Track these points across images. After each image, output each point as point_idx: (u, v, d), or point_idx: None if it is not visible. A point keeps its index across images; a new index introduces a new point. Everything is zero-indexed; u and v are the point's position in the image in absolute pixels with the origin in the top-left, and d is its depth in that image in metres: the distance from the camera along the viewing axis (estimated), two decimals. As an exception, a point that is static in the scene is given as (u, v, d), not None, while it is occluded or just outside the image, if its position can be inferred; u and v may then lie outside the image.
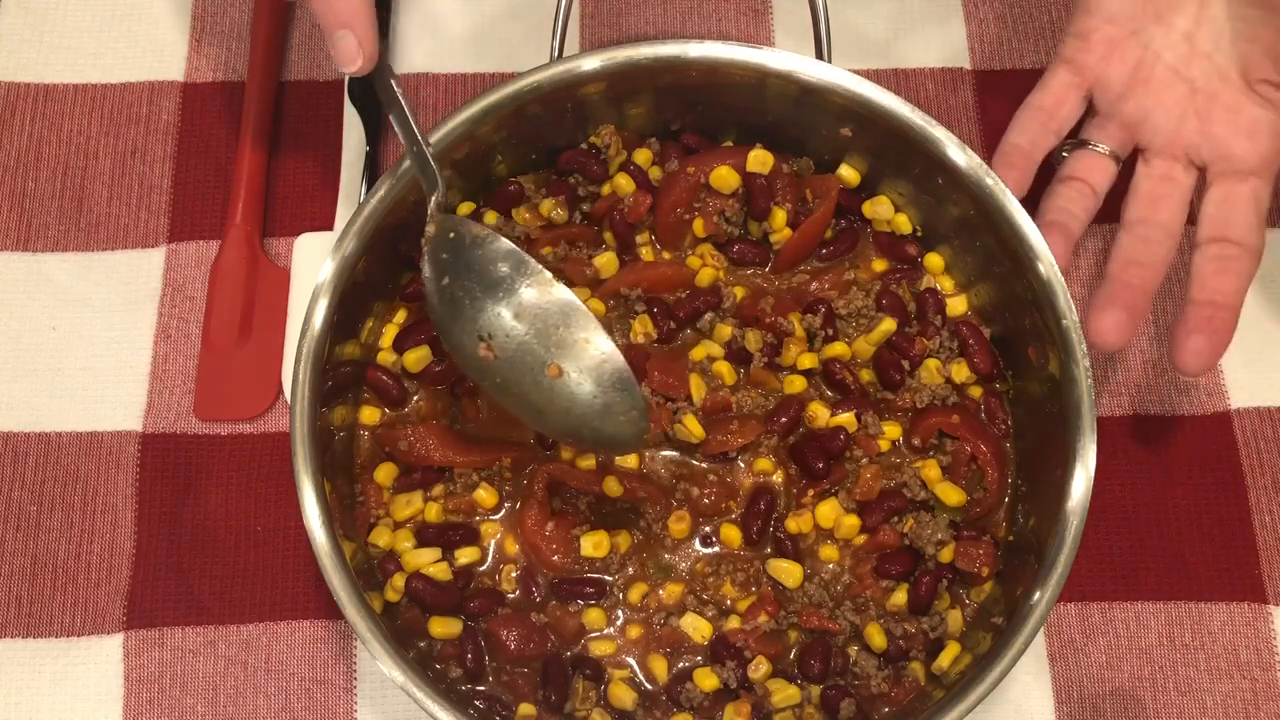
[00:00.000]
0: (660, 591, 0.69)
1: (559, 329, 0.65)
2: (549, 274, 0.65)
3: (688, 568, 0.69)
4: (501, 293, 0.65)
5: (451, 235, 0.65)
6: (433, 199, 0.66)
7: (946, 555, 0.68)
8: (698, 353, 0.72)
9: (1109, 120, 0.74)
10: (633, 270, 0.73)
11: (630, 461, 0.70)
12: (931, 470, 0.70)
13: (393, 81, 0.66)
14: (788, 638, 0.68)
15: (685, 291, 0.74)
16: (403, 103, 0.66)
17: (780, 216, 0.73)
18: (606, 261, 0.73)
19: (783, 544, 0.69)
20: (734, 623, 0.67)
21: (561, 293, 0.65)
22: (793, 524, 0.69)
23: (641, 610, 0.68)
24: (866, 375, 0.72)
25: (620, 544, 0.69)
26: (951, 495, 0.69)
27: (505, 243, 0.65)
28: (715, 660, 0.67)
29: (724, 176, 0.73)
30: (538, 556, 0.69)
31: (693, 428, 0.69)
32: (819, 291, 0.74)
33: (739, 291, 0.73)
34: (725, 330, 0.72)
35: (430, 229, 0.66)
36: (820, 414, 0.70)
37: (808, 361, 0.71)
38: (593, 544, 0.68)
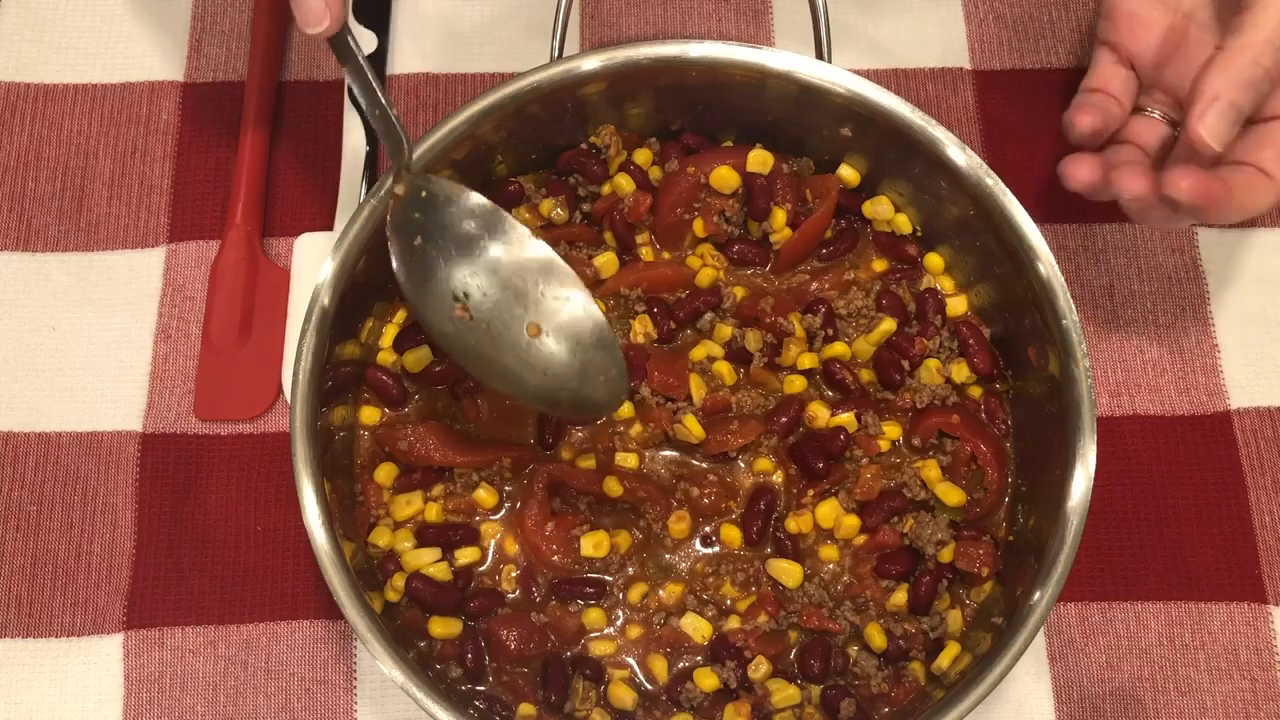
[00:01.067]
0: (660, 591, 0.69)
1: (538, 286, 0.64)
2: (526, 230, 0.64)
3: (688, 568, 0.69)
4: (477, 250, 0.64)
5: (424, 194, 0.64)
6: (400, 159, 0.64)
7: (947, 555, 0.68)
8: (698, 353, 0.72)
9: (1153, 88, 0.75)
10: (633, 270, 0.73)
11: (630, 461, 0.70)
12: (931, 470, 0.70)
13: (350, 40, 0.63)
14: (788, 638, 0.68)
15: (685, 291, 0.74)
16: (362, 60, 0.63)
17: (780, 216, 0.73)
18: (606, 261, 0.73)
19: (783, 544, 0.69)
20: (734, 623, 0.67)
21: (539, 249, 0.64)
22: (793, 524, 0.69)
23: (641, 610, 0.68)
24: (867, 375, 0.72)
25: (620, 544, 0.69)
26: (952, 495, 0.69)
27: (479, 197, 0.64)
28: (715, 660, 0.67)
29: (724, 176, 0.73)
30: (538, 556, 0.69)
31: (693, 428, 0.69)
32: (819, 291, 0.74)
33: (739, 291, 0.73)
34: (725, 330, 0.72)
35: (399, 189, 0.64)
36: (820, 414, 0.70)
37: (807, 361, 0.71)
38: (593, 544, 0.68)
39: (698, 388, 0.70)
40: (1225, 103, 0.65)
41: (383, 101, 0.63)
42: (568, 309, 0.64)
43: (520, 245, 0.64)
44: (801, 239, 0.73)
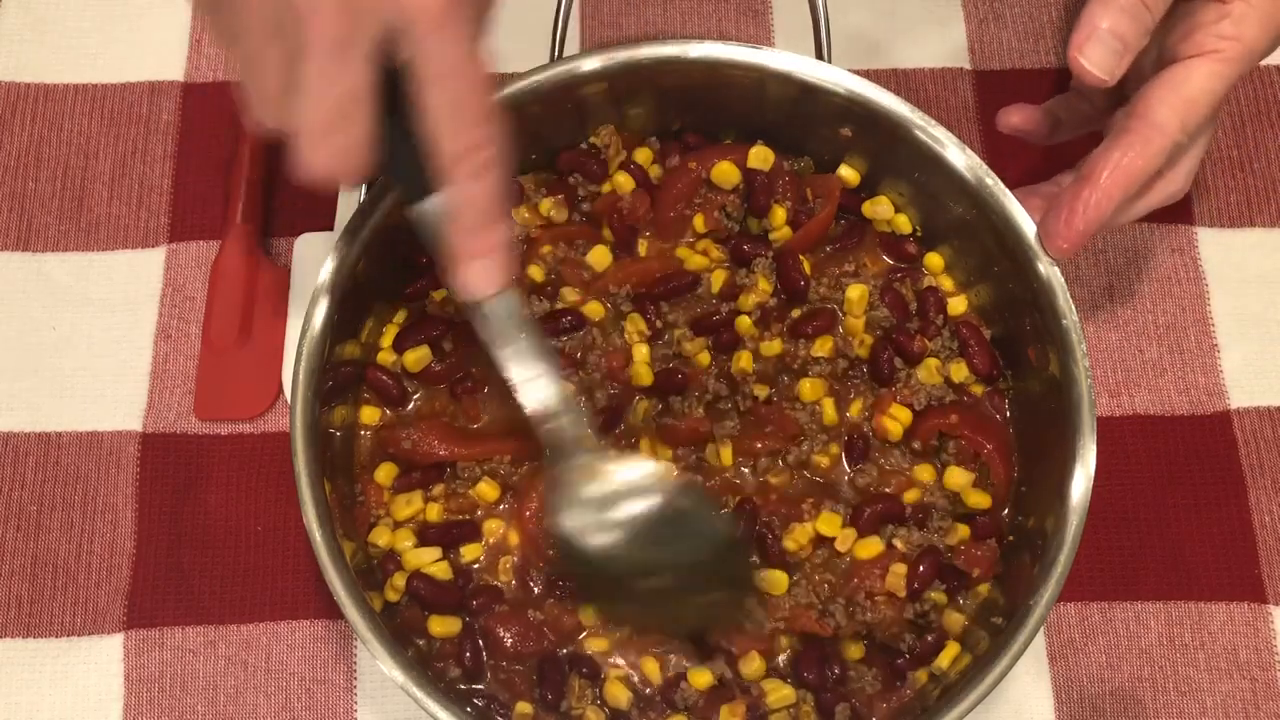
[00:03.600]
0: None
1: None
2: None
3: None
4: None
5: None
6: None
7: (954, 538, 0.68)
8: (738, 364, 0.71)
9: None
10: (620, 267, 0.73)
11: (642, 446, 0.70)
12: (926, 473, 0.70)
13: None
14: (777, 640, 0.68)
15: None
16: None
17: (780, 214, 0.73)
18: (599, 256, 0.73)
19: (771, 555, 0.68)
20: None
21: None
22: (790, 542, 0.68)
23: None
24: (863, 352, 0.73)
25: None
26: (974, 497, 0.69)
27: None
28: (705, 658, 0.67)
29: (725, 171, 0.73)
30: (535, 550, 0.68)
31: (725, 457, 0.70)
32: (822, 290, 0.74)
33: (718, 277, 0.73)
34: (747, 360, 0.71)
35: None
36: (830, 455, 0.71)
37: (824, 347, 0.71)
38: None
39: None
40: (1105, 30, 0.63)
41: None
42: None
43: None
44: (805, 237, 0.73)
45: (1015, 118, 0.73)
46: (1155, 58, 0.68)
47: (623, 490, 0.65)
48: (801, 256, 0.73)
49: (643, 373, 0.70)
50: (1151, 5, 0.64)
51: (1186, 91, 0.65)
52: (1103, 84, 0.64)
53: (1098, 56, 0.63)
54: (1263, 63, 0.87)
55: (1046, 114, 0.74)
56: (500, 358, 0.62)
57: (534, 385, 0.63)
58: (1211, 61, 0.65)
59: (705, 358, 0.71)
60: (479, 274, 0.59)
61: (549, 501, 0.65)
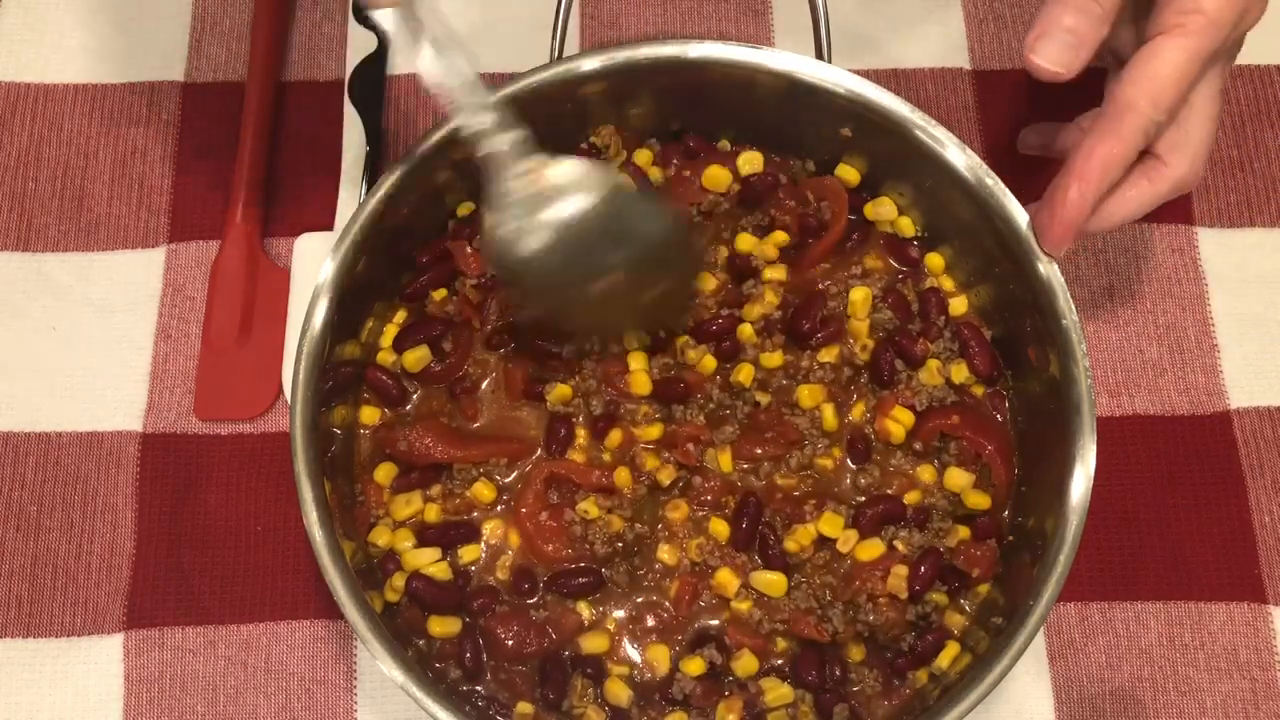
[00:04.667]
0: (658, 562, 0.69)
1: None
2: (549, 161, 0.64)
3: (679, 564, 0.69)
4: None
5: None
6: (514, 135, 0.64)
7: (954, 539, 0.68)
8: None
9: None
10: None
11: (653, 432, 0.70)
12: (927, 473, 0.70)
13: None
14: (774, 643, 0.68)
15: None
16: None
17: (772, 251, 0.73)
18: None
19: (770, 556, 0.68)
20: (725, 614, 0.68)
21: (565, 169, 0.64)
22: (792, 544, 0.68)
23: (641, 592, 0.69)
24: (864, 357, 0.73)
25: (613, 523, 0.68)
26: (974, 498, 0.69)
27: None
28: (697, 645, 0.67)
29: (715, 176, 0.73)
30: (532, 548, 0.68)
31: (724, 463, 0.70)
32: (827, 288, 0.74)
33: (709, 281, 0.73)
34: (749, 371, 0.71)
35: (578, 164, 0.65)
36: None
37: (828, 355, 0.72)
38: (587, 506, 0.68)
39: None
40: (1059, 28, 0.64)
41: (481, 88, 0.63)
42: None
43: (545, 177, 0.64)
44: (823, 249, 0.73)
45: (1033, 138, 0.73)
46: (1135, 46, 0.68)
47: (557, 190, 0.64)
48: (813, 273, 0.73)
49: (640, 381, 0.70)
50: (1106, 3, 0.64)
51: (1153, 69, 0.65)
52: (1059, 78, 0.64)
53: (1052, 52, 0.64)
54: (1263, 62, 0.88)
55: (1062, 130, 0.74)
56: (429, 81, 0.63)
57: (467, 106, 0.63)
58: (1176, 36, 0.65)
59: (710, 363, 0.71)
60: None
61: (488, 222, 0.65)
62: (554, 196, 0.64)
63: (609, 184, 0.65)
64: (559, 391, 0.70)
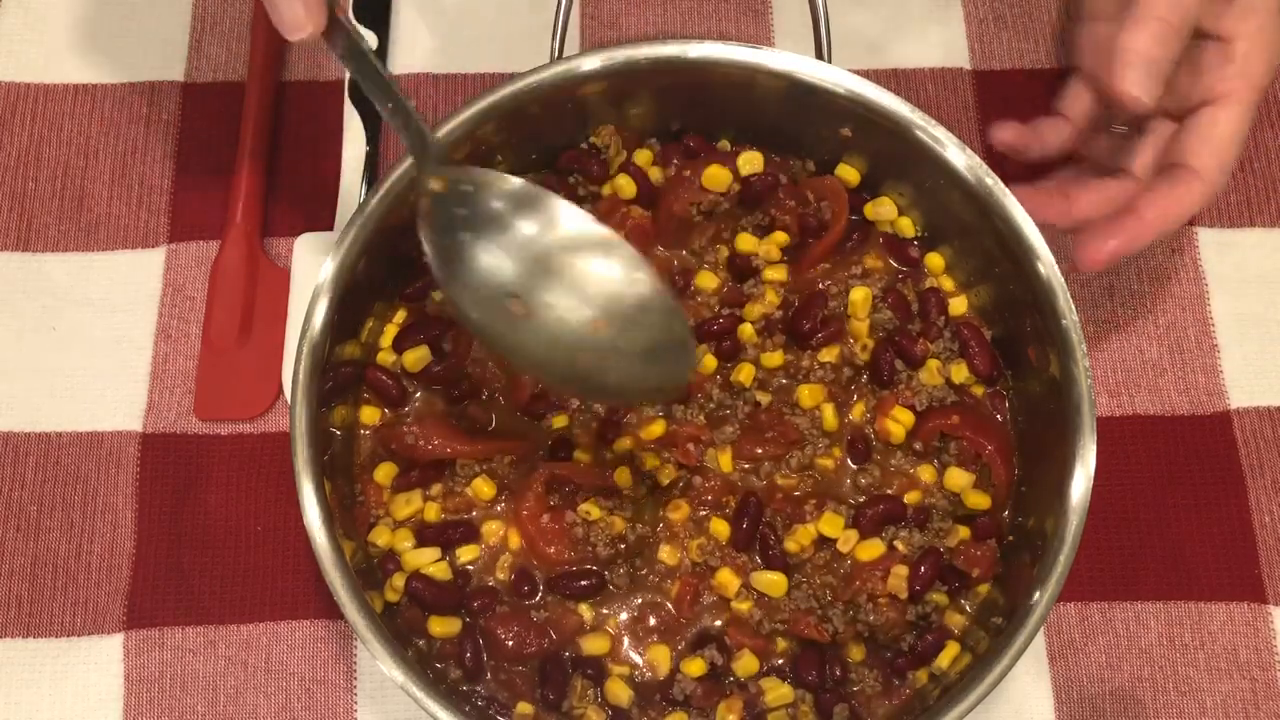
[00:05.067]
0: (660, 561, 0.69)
1: (592, 267, 0.58)
2: (568, 204, 0.59)
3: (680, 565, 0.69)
4: (521, 240, 0.59)
5: (463, 186, 0.60)
6: (425, 153, 0.60)
7: (954, 539, 0.68)
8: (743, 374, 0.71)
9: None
10: None
11: (656, 429, 0.69)
12: (928, 473, 0.70)
13: (350, 36, 0.58)
14: (774, 643, 0.68)
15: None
16: (370, 57, 0.58)
17: (775, 251, 0.73)
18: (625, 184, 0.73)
19: (770, 556, 0.68)
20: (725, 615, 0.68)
21: (590, 225, 0.59)
22: (792, 544, 0.68)
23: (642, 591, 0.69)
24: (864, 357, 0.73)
25: (615, 524, 0.68)
26: (974, 498, 0.69)
27: (517, 181, 0.59)
28: (698, 645, 0.67)
29: (715, 175, 0.73)
30: (533, 549, 0.69)
31: (724, 463, 0.70)
32: (827, 288, 0.74)
33: (709, 280, 0.73)
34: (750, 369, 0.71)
35: (436, 184, 0.60)
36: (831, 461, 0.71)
37: (826, 355, 0.72)
38: (589, 509, 0.68)
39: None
40: (1144, 58, 0.66)
41: (397, 94, 0.59)
42: (632, 290, 0.59)
43: (565, 224, 0.59)
44: (823, 249, 0.73)
45: (1008, 134, 0.74)
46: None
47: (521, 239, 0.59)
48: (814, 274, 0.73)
49: None
50: (1179, 27, 0.67)
51: (1218, 138, 0.69)
52: (1145, 108, 0.67)
53: (1144, 81, 0.67)
54: (1263, 62, 0.88)
55: (1035, 132, 0.75)
56: (369, 93, 0.59)
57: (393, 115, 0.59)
58: (1232, 105, 0.69)
59: (711, 362, 0.71)
60: (287, 9, 0.57)
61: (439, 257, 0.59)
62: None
63: (594, 236, 0.60)
64: (558, 419, 0.71)
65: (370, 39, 0.86)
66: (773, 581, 0.68)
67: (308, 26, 0.58)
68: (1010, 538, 0.70)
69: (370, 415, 0.71)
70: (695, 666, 0.66)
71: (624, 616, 0.68)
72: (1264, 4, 0.70)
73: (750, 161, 0.73)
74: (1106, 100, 0.71)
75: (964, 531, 0.69)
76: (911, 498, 0.70)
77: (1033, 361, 0.70)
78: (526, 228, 0.60)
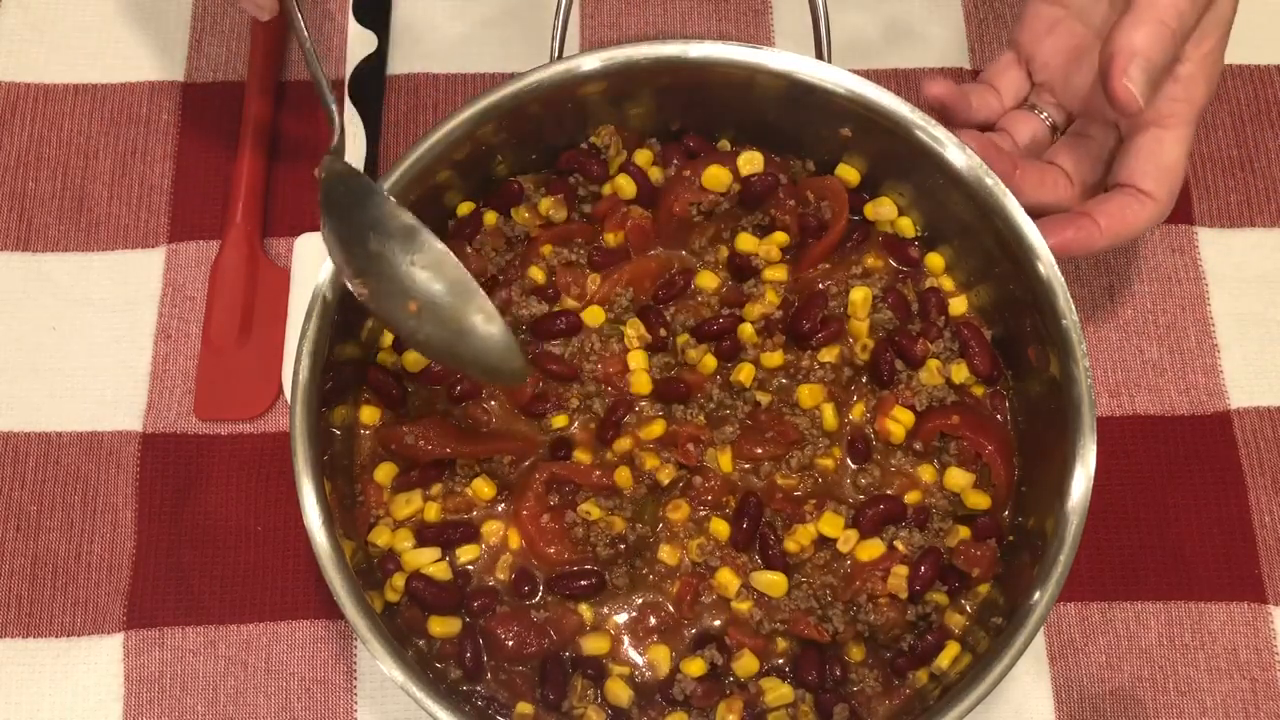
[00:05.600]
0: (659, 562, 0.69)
1: (408, 256, 0.64)
2: (392, 201, 0.65)
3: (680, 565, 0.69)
4: (367, 231, 0.65)
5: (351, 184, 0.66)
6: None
7: (954, 539, 0.68)
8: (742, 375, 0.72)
9: (1045, 91, 0.76)
10: (617, 268, 0.73)
11: (656, 429, 0.70)
12: (928, 473, 0.70)
13: (298, 14, 0.66)
14: (774, 643, 0.68)
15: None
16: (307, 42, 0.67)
17: (775, 251, 0.73)
18: (624, 184, 0.73)
19: (770, 556, 0.68)
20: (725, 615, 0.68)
21: (403, 216, 0.64)
22: (792, 544, 0.68)
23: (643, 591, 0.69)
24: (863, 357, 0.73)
25: (615, 523, 0.68)
26: (974, 498, 0.69)
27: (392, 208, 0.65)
28: (698, 645, 0.67)
29: (715, 175, 0.73)
30: (533, 549, 0.69)
31: (723, 463, 0.70)
32: (828, 288, 0.74)
33: (710, 280, 0.73)
34: (749, 369, 0.71)
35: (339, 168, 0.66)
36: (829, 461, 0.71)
37: (827, 354, 0.72)
38: (589, 509, 0.68)
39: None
40: (1143, 58, 0.66)
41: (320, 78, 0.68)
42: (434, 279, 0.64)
43: (391, 217, 0.65)
44: (823, 249, 0.73)
45: (939, 89, 0.73)
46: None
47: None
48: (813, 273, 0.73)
49: (641, 380, 0.70)
50: (1176, 32, 0.66)
51: (1164, 161, 0.70)
52: (1136, 110, 0.66)
53: (1141, 83, 0.66)
54: (1263, 62, 0.88)
55: (965, 97, 0.75)
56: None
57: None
58: (1177, 127, 0.70)
59: (711, 362, 0.71)
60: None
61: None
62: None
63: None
64: (558, 419, 0.70)
65: (370, 39, 0.86)
66: (773, 581, 0.68)
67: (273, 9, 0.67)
68: (1010, 538, 0.70)
69: (370, 415, 0.71)
70: (695, 666, 0.66)
71: (624, 616, 0.69)
72: (1216, 29, 0.69)
73: (750, 161, 0.73)
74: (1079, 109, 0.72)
75: (964, 531, 0.69)
76: (911, 498, 0.70)
77: (1033, 361, 0.70)
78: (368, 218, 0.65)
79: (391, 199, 0.65)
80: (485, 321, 0.64)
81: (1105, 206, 0.70)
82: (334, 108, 0.68)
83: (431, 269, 0.64)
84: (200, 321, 0.80)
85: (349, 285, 0.64)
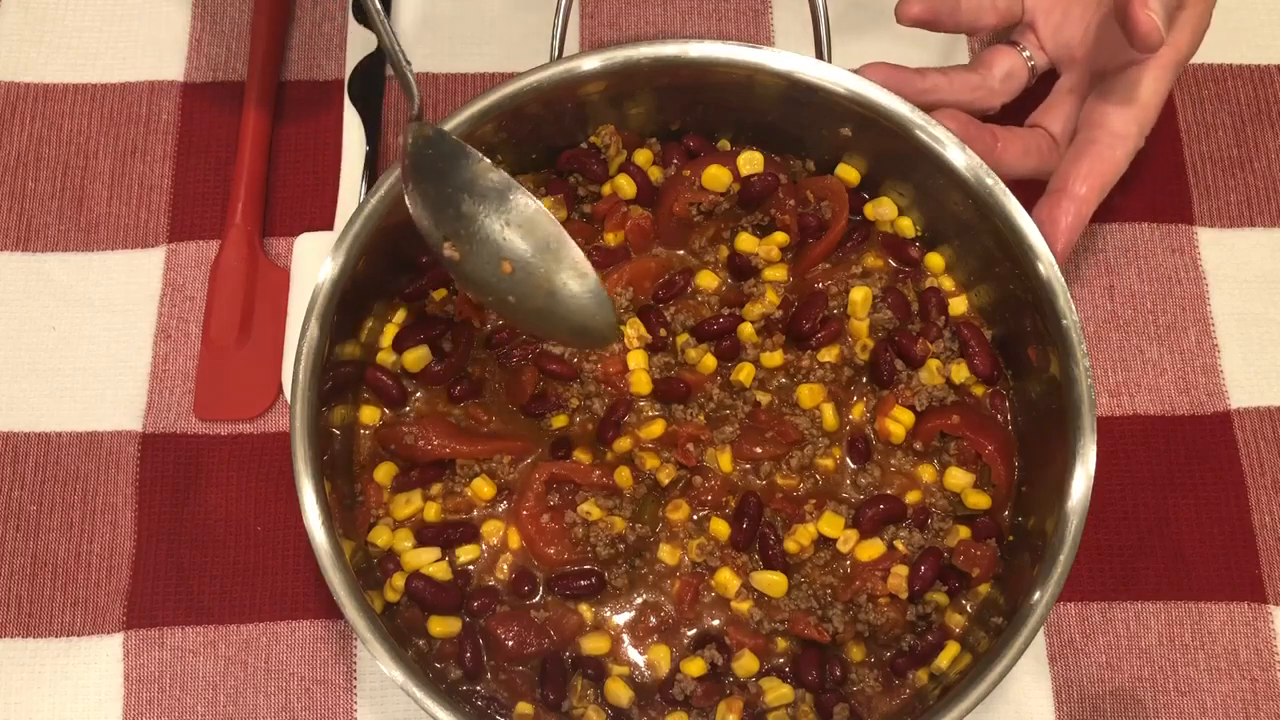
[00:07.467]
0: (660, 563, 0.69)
1: (503, 217, 0.64)
2: (488, 163, 0.64)
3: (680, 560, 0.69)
4: (464, 190, 0.65)
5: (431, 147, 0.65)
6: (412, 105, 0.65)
7: (954, 539, 0.68)
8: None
9: (1031, 32, 0.77)
10: (617, 268, 0.73)
11: (655, 430, 0.69)
12: (928, 473, 0.70)
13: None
14: (774, 643, 0.68)
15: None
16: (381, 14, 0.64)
17: (775, 251, 0.73)
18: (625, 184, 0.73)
19: (770, 556, 0.68)
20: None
21: (499, 176, 0.64)
22: (792, 544, 0.68)
23: (643, 592, 0.69)
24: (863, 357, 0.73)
25: (615, 524, 0.68)
26: (974, 498, 0.69)
27: (487, 165, 0.64)
28: (698, 645, 0.67)
29: (715, 175, 0.73)
30: (533, 549, 0.69)
31: (723, 463, 0.70)
32: (827, 288, 0.74)
33: (710, 279, 0.73)
34: (749, 370, 0.71)
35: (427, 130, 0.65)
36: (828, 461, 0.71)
37: (826, 355, 0.72)
38: (589, 509, 0.68)
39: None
40: None
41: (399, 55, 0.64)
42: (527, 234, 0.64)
43: (483, 176, 0.65)
44: (823, 249, 0.73)
45: (916, 8, 0.74)
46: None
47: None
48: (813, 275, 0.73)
49: (641, 380, 0.70)
50: None
51: (1139, 99, 0.70)
52: (1156, 43, 0.66)
53: (1161, 11, 0.66)
54: (1262, 62, 0.88)
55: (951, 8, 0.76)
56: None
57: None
58: (1154, 68, 0.70)
59: (711, 362, 0.71)
60: None
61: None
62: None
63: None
64: (558, 419, 0.70)
65: (370, 39, 0.86)
66: (773, 581, 0.68)
67: None
68: (1010, 538, 0.70)
69: (370, 415, 0.71)
70: (695, 666, 0.66)
71: (624, 616, 0.69)
72: None
73: (750, 161, 0.73)
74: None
75: (964, 531, 0.69)
76: (911, 498, 0.70)
77: (1033, 361, 0.70)
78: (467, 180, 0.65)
79: (484, 158, 0.64)
80: (577, 278, 0.64)
81: (1077, 170, 0.70)
82: (411, 76, 0.64)
83: (524, 226, 0.64)
84: (200, 321, 0.80)
85: (438, 253, 0.64)
